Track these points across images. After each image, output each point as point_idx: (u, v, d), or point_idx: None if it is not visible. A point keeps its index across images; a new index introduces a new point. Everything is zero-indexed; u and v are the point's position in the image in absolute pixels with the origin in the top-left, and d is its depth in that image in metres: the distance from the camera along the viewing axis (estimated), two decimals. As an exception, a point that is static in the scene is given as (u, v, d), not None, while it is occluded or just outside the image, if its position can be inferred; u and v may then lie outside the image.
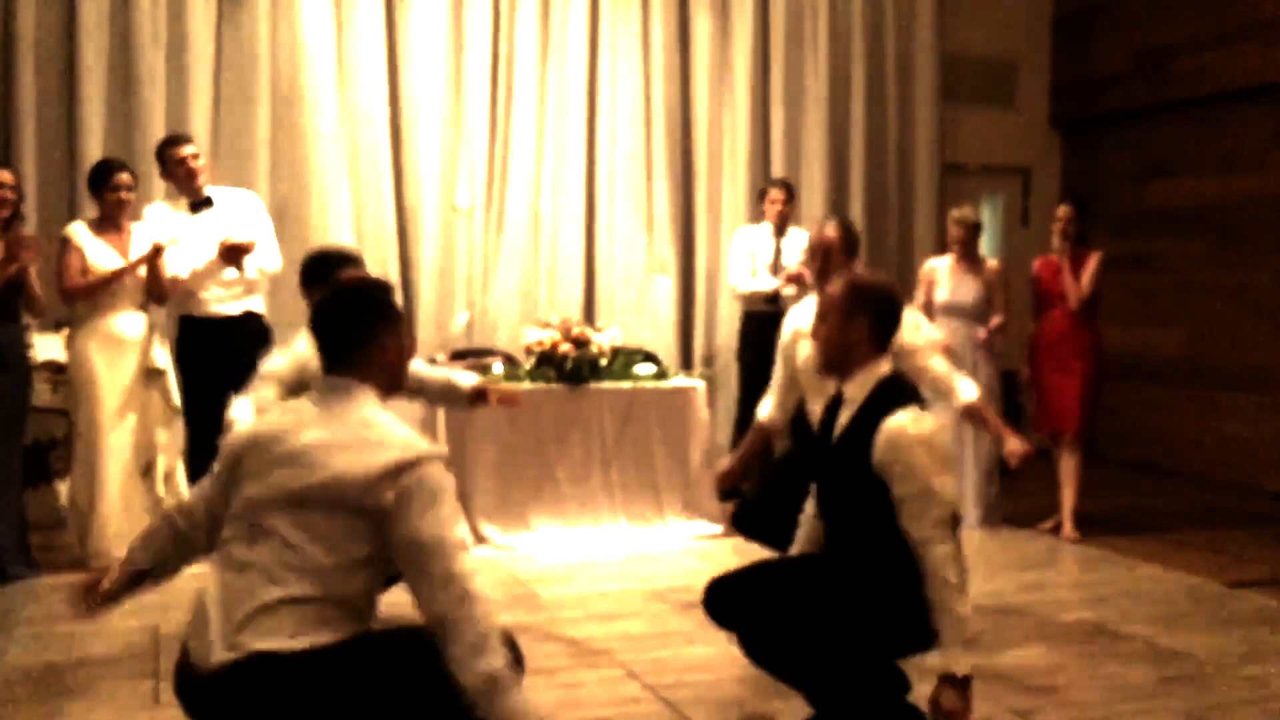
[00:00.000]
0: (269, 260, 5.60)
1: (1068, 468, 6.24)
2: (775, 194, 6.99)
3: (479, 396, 4.42)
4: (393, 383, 2.72)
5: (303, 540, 2.45)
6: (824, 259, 4.45)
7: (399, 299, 4.32)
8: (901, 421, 3.02)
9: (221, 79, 6.86)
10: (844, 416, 3.20)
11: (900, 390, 3.17)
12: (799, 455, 4.59)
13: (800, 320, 4.67)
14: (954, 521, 3.01)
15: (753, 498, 4.66)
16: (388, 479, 2.45)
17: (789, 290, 6.65)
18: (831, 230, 4.49)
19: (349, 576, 2.47)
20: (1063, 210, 6.33)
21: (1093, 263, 6.21)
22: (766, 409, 4.65)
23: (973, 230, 6.45)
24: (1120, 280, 8.65)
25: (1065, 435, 6.24)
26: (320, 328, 2.72)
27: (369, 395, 2.62)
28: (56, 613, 4.51)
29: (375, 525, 2.46)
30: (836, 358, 3.22)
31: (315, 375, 4.19)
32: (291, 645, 2.39)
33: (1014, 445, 4.17)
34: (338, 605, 2.45)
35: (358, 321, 2.69)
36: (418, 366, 4.54)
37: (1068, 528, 6.16)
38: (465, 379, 4.44)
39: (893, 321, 3.24)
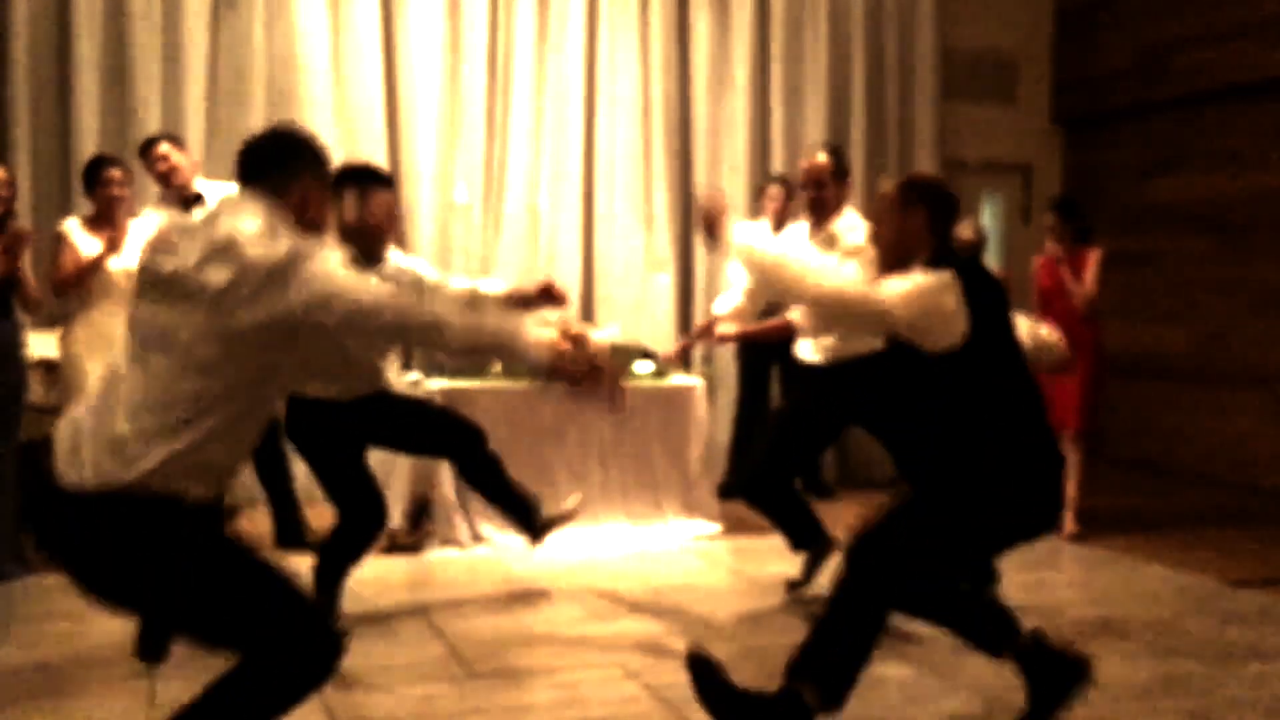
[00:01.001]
0: None
1: (1069, 464, 6.22)
2: (774, 191, 6.98)
3: (512, 299, 4.56)
4: (303, 231, 2.61)
5: (166, 368, 2.41)
6: (817, 185, 4.62)
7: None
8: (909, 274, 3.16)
9: (217, 75, 6.84)
10: None
11: (935, 261, 3.20)
12: (790, 406, 4.70)
13: (795, 240, 4.84)
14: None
15: (751, 468, 4.74)
16: (219, 256, 2.39)
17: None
18: (823, 157, 4.67)
19: (214, 408, 2.42)
20: (1048, 219, 6.36)
21: (1093, 262, 6.19)
22: (726, 306, 4.91)
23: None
24: (1122, 278, 8.63)
25: (1067, 432, 6.23)
26: (244, 152, 2.67)
27: (261, 206, 2.54)
28: (51, 611, 4.51)
29: (221, 318, 2.40)
30: (899, 255, 3.28)
31: None
32: (133, 478, 2.37)
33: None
34: (194, 447, 2.41)
35: (286, 152, 2.64)
36: (432, 277, 4.53)
37: (1070, 522, 6.15)
38: (491, 288, 4.64)
39: (948, 211, 3.29)
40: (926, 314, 3.07)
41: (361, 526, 4.31)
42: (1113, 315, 6.55)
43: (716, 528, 6.07)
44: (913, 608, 3.29)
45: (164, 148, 5.48)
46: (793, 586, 4.85)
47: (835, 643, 3.12)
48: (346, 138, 7.09)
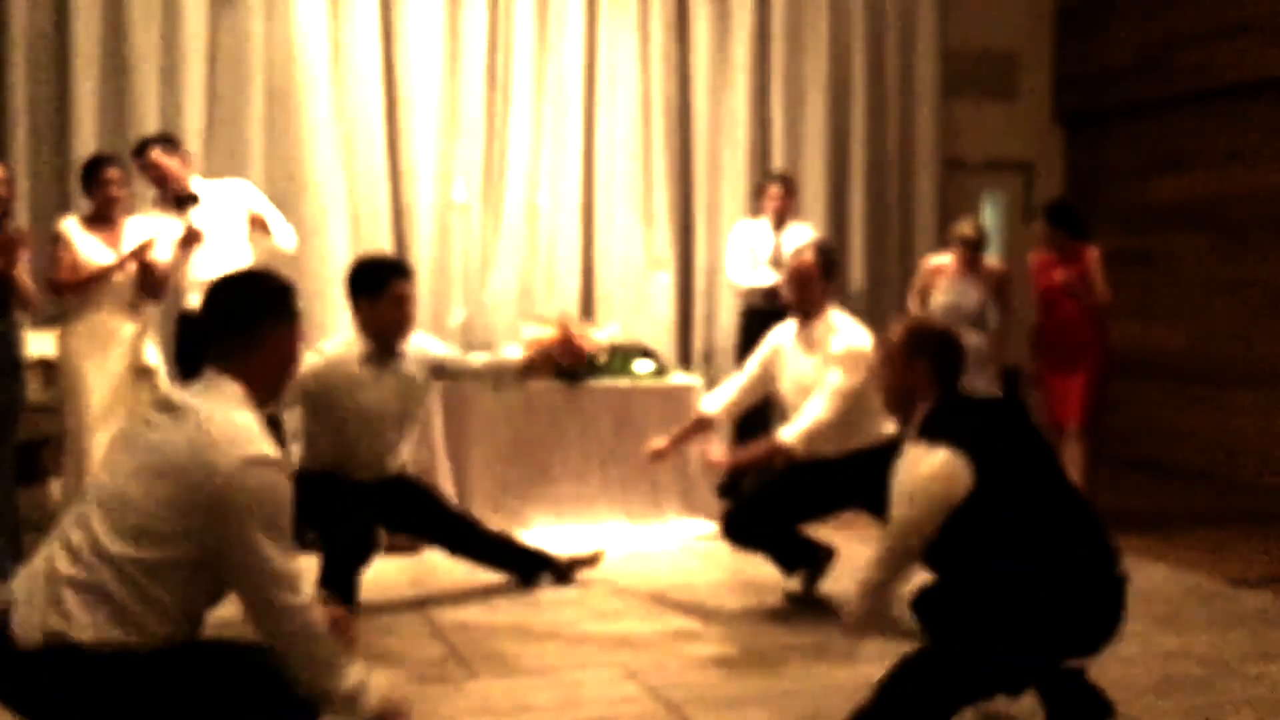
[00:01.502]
0: (284, 240, 5.61)
1: (1074, 460, 6.24)
2: (774, 189, 6.98)
3: (529, 370, 4.86)
4: (276, 385, 2.63)
5: (113, 528, 2.38)
6: (802, 285, 4.60)
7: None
8: (906, 454, 3.19)
9: (215, 74, 6.83)
10: None
11: (934, 420, 3.22)
12: (785, 488, 4.71)
13: (783, 338, 4.83)
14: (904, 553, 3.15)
15: (743, 507, 4.79)
16: (209, 476, 2.37)
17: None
18: (809, 255, 4.63)
19: (156, 576, 2.38)
20: (1038, 226, 6.37)
21: (1094, 264, 6.18)
22: (716, 403, 4.90)
23: (975, 248, 6.43)
24: (1123, 276, 8.62)
25: (1069, 428, 6.24)
26: (209, 306, 2.63)
27: (236, 394, 2.51)
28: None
29: (189, 525, 2.38)
30: (900, 401, 3.35)
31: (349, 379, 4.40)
32: (85, 637, 2.34)
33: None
34: (140, 604, 2.37)
35: (245, 314, 2.59)
36: (453, 354, 4.72)
37: None
38: (510, 356, 4.92)
39: (953, 362, 3.32)
40: (940, 503, 3.08)
41: (349, 557, 4.38)
42: (1112, 313, 6.55)
43: (716, 527, 6.07)
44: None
45: (154, 154, 5.49)
46: (791, 596, 4.84)
47: None
48: (345, 136, 7.08)
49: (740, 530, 4.71)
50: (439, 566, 5.35)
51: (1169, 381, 8.44)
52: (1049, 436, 6.24)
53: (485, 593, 4.94)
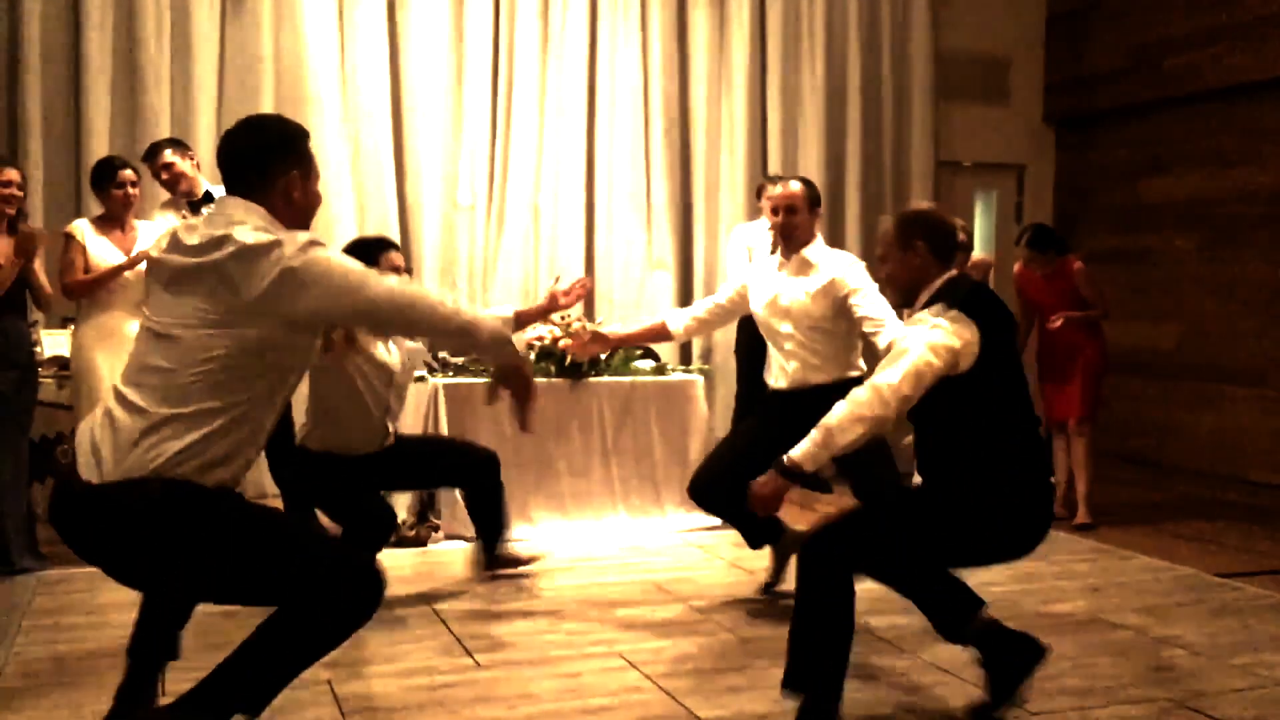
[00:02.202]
0: None
1: (1077, 455, 6.32)
2: (773, 189, 7.03)
3: (520, 320, 4.82)
4: (294, 223, 2.70)
5: (175, 360, 2.50)
6: (789, 211, 4.61)
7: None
8: (922, 318, 3.24)
9: (225, 78, 6.91)
10: None
11: (943, 292, 3.30)
12: (754, 442, 4.61)
13: (761, 265, 4.81)
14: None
15: (709, 472, 4.69)
16: (250, 259, 2.49)
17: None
18: (795, 186, 4.66)
19: (227, 389, 2.52)
20: (1019, 252, 6.41)
21: (1081, 278, 6.22)
22: (681, 318, 4.86)
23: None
24: (1114, 275, 8.72)
25: (1070, 423, 6.31)
26: (223, 150, 2.73)
27: (255, 210, 2.63)
28: (65, 605, 4.58)
29: (238, 309, 2.50)
30: (907, 289, 3.43)
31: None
32: (155, 471, 2.46)
33: None
34: (211, 437, 2.51)
35: (266, 148, 2.69)
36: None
37: (1082, 512, 6.24)
38: (503, 311, 4.83)
39: (946, 236, 3.41)
40: (943, 373, 3.17)
41: (370, 537, 4.44)
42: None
43: (716, 520, 6.13)
44: (880, 574, 3.40)
45: (169, 155, 5.52)
46: (767, 588, 4.85)
47: (810, 644, 3.23)
48: (352, 140, 7.16)
49: (706, 497, 4.66)
50: (445, 559, 5.42)
51: (1159, 378, 8.52)
52: (1048, 434, 6.38)
53: (488, 584, 4.99)
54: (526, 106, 7.50)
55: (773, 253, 4.83)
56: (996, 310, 3.31)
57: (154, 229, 5.41)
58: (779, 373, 4.65)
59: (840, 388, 4.21)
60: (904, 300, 3.52)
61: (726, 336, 7.52)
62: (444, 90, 7.36)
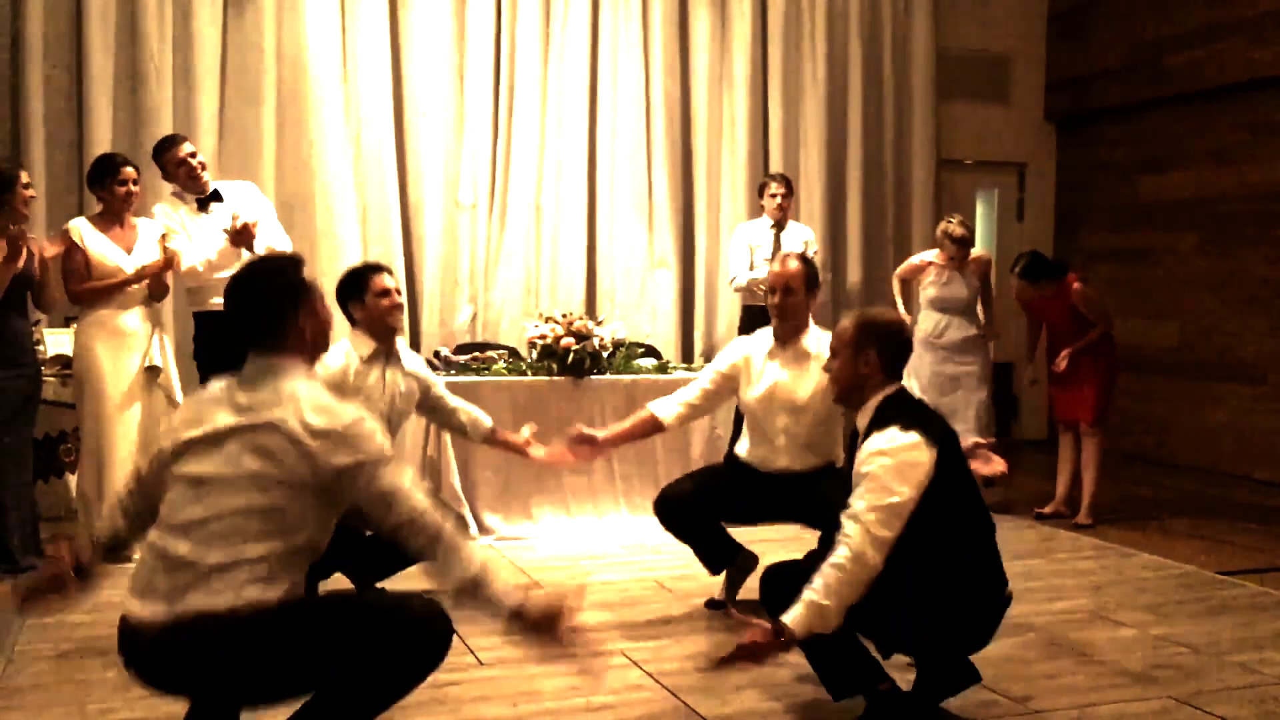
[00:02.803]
0: (278, 243, 5.61)
1: (1087, 455, 6.32)
2: (774, 188, 7.05)
3: (494, 436, 4.80)
4: (316, 352, 2.79)
5: (229, 505, 2.54)
6: (786, 291, 4.47)
7: (404, 293, 4.50)
8: (875, 438, 3.18)
9: (227, 77, 6.92)
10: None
11: (893, 408, 3.28)
12: (724, 483, 4.59)
13: (753, 350, 4.62)
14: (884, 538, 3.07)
15: (677, 493, 4.61)
16: (331, 443, 2.55)
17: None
18: (793, 265, 4.50)
19: (281, 534, 2.56)
20: (1014, 283, 6.40)
21: (1080, 299, 6.21)
22: (669, 407, 4.63)
23: (964, 245, 6.50)
24: (1114, 273, 8.74)
25: (1081, 424, 6.32)
26: (234, 313, 2.78)
27: (297, 366, 2.70)
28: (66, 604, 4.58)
29: (313, 474, 2.56)
30: (849, 390, 3.41)
31: (351, 390, 4.39)
32: (227, 604, 2.49)
33: None
34: (271, 561, 2.55)
35: (272, 306, 2.73)
36: (440, 388, 4.76)
37: (1083, 513, 6.25)
38: (485, 419, 4.82)
39: (901, 351, 3.41)
40: (914, 486, 3.14)
41: (378, 568, 4.42)
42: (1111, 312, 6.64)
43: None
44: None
45: (189, 147, 5.49)
46: (715, 604, 4.74)
47: (821, 653, 3.32)
48: (355, 139, 7.17)
49: (671, 515, 4.57)
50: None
51: (1159, 375, 8.53)
52: (1058, 432, 6.40)
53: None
54: (528, 105, 7.51)
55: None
56: (946, 428, 3.30)
57: (154, 226, 5.42)
58: (761, 458, 4.54)
59: (822, 473, 4.28)
60: (842, 399, 3.49)
61: (728, 335, 7.54)
62: (446, 89, 7.37)
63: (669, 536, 5.82)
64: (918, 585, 3.17)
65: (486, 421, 4.82)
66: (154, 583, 2.56)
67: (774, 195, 7.01)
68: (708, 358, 7.63)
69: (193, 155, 5.47)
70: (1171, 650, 4.18)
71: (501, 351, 6.57)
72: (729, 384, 4.63)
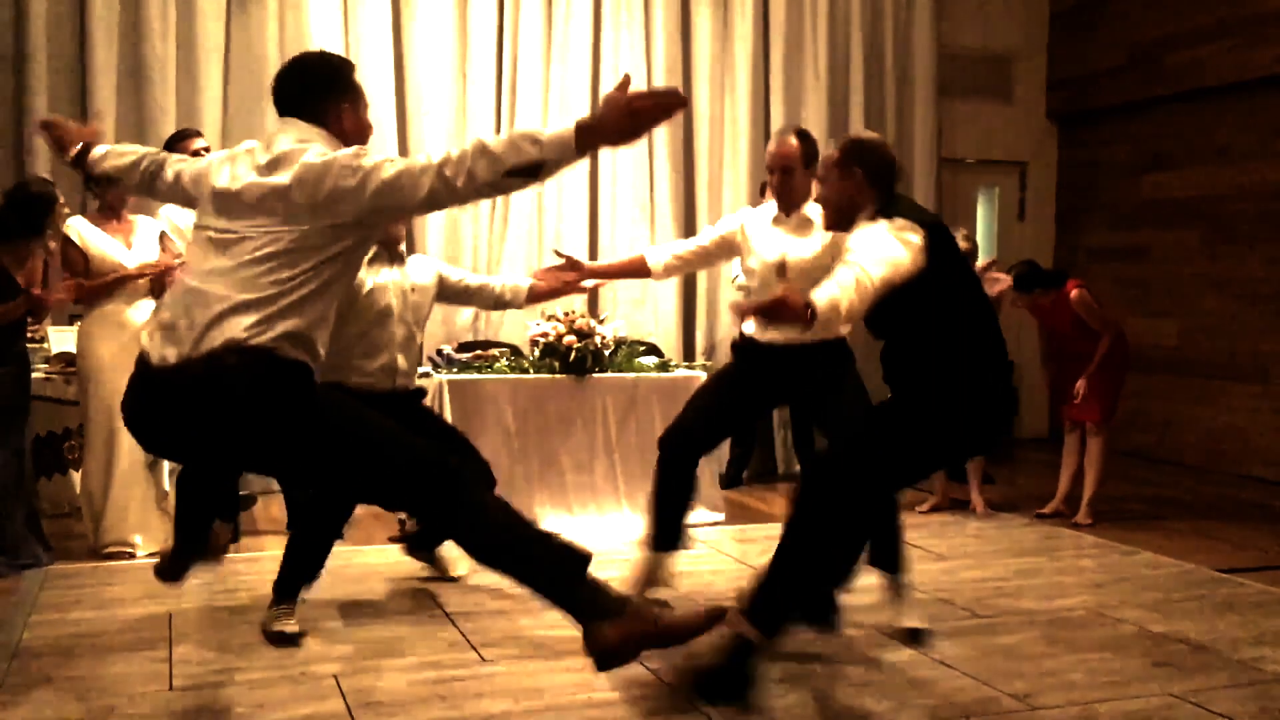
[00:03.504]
0: None
1: (1092, 454, 6.32)
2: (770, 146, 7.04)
3: (536, 292, 4.81)
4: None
5: (257, 244, 2.68)
6: (784, 170, 4.47)
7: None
8: (871, 226, 3.29)
9: (230, 76, 6.92)
10: None
11: (887, 211, 3.35)
12: (734, 377, 4.53)
13: (754, 218, 4.61)
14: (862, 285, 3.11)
15: (681, 427, 4.56)
16: (318, 175, 2.67)
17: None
18: (792, 141, 4.51)
19: (305, 273, 2.70)
20: (1011, 296, 6.38)
21: (1081, 307, 6.17)
22: (661, 255, 4.70)
23: (969, 259, 6.47)
24: (1115, 271, 8.75)
25: (1088, 423, 6.32)
26: (276, 90, 2.90)
27: (316, 132, 2.82)
28: (72, 599, 4.60)
29: (321, 217, 2.69)
30: (841, 212, 3.50)
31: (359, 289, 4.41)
32: (248, 337, 2.62)
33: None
34: (291, 307, 2.68)
35: (314, 83, 2.86)
36: (459, 274, 4.80)
37: (1083, 512, 6.26)
38: (522, 282, 4.86)
39: (887, 169, 3.48)
40: (899, 274, 3.20)
41: None
42: (1106, 308, 6.64)
43: (719, 516, 6.17)
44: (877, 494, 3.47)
45: (204, 141, 5.54)
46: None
47: (781, 573, 3.39)
48: (356, 135, 7.18)
49: (675, 449, 4.52)
50: (446, 556, 5.43)
51: (1161, 374, 8.54)
52: (1064, 431, 6.40)
53: (494, 579, 4.97)
54: (530, 103, 7.52)
55: (762, 200, 4.59)
56: (937, 221, 3.40)
57: (153, 223, 5.43)
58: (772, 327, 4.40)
59: (824, 348, 4.24)
60: (834, 223, 3.58)
61: (729, 333, 7.54)
62: (448, 87, 7.38)
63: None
64: (931, 400, 3.28)
65: (524, 284, 4.82)
66: (176, 324, 2.67)
67: (768, 154, 7.00)
68: (709, 355, 7.67)
69: (206, 149, 5.48)
70: (1172, 647, 4.18)
71: (504, 349, 6.59)
72: (724, 247, 4.66)
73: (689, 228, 7.94)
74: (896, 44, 8.48)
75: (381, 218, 2.80)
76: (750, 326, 4.51)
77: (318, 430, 2.70)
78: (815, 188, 4.43)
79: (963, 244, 6.38)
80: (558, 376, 6.05)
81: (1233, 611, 4.66)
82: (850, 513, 3.36)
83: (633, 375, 6.18)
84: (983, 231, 9.46)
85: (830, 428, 4.39)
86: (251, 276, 2.69)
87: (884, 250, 3.17)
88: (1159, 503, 7.04)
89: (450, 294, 4.86)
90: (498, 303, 4.93)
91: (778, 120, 8.12)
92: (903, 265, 3.19)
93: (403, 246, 4.69)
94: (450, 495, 2.80)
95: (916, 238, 3.24)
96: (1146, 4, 8.51)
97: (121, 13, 6.65)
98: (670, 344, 7.67)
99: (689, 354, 7.77)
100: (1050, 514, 6.39)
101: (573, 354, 6.03)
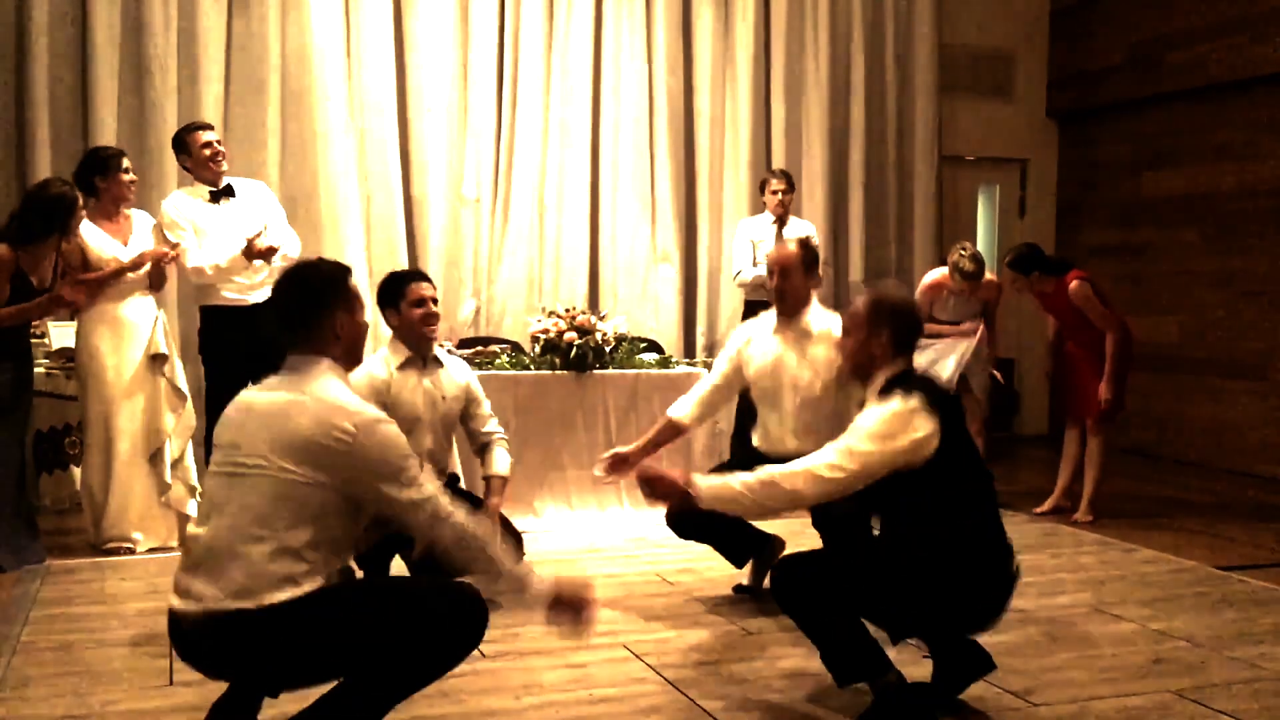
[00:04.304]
0: (290, 247, 5.61)
1: (1092, 451, 6.32)
2: (776, 184, 7.07)
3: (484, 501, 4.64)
4: (351, 359, 2.91)
5: (267, 496, 2.66)
6: (783, 275, 4.50)
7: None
8: (886, 401, 3.29)
9: (232, 72, 6.92)
10: None
11: (899, 382, 3.36)
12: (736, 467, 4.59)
13: (755, 332, 4.68)
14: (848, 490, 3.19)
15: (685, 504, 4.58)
16: (339, 434, 2.66)
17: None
18: (792, 248, 4.55)
19: (313, 524, 2.67)
20: (1006, 274, 6.33)
21: (1080, 299, 6.14)
22: (684, 407, 4.68)
23: (975, 281, 6.43)
24: (1116, 269, 8.74)
25: (1089, 421, 6.32)
26: (277, 306, 2.89)
27: (329, 367, 2.81)
28: (70, 596, 4.61)
29: (333, 476, 2.67)
30: (862, 367, 3.49)
31: (389, 397, 4.34)
32: (264, 597, 2.60)
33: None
34: (305, 552, 2.66)
35: (313, 301, 2.84)
36: (484, 406, 4.74)
37: (1083, 510, 6.25)
38: (500, 469, 4.69)
39: (912, 331, 3.50)
40: (902, 450, 3.22)
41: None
42: (1113, 305, 6.63)
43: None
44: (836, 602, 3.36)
45: (215, 134, 5.54)
46: (739, 589, 4.81)
47: (829, 642, 3.33)
48: (359, 134, 7.18)
49: (684, 521, 4.53)
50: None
51: (1160, 371, 8.54)
52: (1065, 427, 6.40)
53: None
54: (532, 100, 7.52)
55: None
56: (947, 398, 3.41)
57: (149, 219, 5.42)
58: (771, 440, 4.57)
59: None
60: (851, 376, 3.61)
61: (731, 328, 7.53)
62: (450, 84, 7.38)
63: (668, 531, 5.84)
64: (925, 561, 3.23)
65: (497, 475, 4.66)
66: (192, 574, 2.67)
67: (775, 192, 7.03)
68: (710, 352, 7.66)
69: (219, 142, 5.54)
70: (1172, 644, 4.18)
71: (504, 346, 6.59)
72: (738, 373, 4.70)
73: (689, 227, 7.95)
74: (897, 42, 8.48)
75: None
76: (766, 445, 4.58)
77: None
78: (814, 293, 4.62)
79: (969, 265, 6.35)
80: (559, 373, 6.05)
81: (1233, 608, 4.66)
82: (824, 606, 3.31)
83: (633, 372, 6.19)
84: (983, 229, 9.47)
85: (824, 526, 4.40)
86: (269, 516, 2.71)
87: (887, 441, 3.21)
88: (1159, 500, 7.04)
89: (464, 416, 4.73)
90: (475, 452, 4.86)
91: (778, 119, 8.12)
92: (902, 458, 3.21)
93: (446, 353, 4.69)
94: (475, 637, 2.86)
95: (928, 426, 3.23)
96: (1147, 2, 8.51)
97: (122, 8, 6.65)
98: (671, 340, 7.67)
99: (689, 350, 7.77)
100: (1049, 510, 6.39)
101: (573, 350, 6.03)
